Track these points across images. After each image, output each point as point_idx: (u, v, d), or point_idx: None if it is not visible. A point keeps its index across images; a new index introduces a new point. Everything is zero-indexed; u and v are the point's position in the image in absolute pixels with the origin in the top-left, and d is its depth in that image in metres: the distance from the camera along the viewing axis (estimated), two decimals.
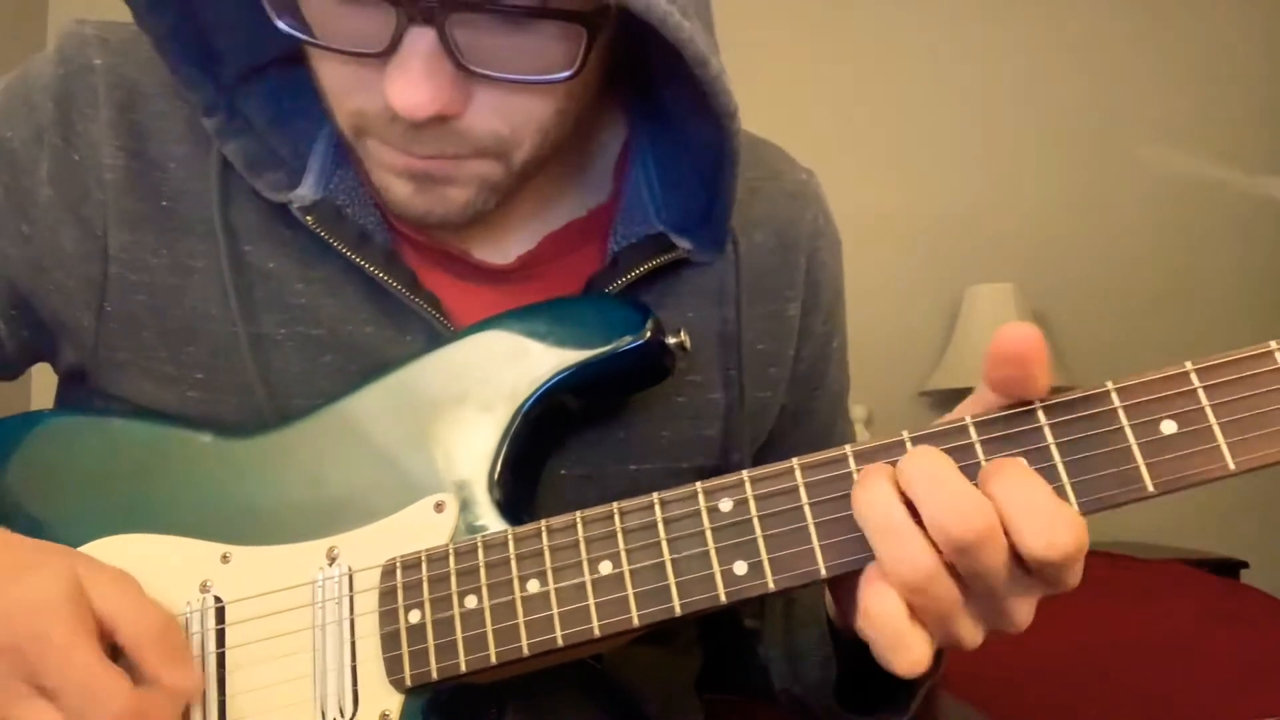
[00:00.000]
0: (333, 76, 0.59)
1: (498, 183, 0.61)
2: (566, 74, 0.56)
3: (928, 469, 0.46)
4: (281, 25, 0.56)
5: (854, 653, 0.62)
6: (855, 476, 0.50)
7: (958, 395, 2.62)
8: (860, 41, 2.84)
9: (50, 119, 0.64)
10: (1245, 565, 2.26)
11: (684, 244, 0.68)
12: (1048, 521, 0.45)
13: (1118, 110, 2.79)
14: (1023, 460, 0.47)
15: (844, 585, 0.53)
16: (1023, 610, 0.48)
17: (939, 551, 0.46)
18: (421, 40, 0.54)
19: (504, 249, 0.69)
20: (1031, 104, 2.81)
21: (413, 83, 0.54)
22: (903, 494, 0.47)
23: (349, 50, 0.55)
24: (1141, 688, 1.37)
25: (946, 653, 0.58)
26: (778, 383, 0.74)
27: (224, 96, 0.64)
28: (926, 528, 0.46)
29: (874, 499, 0.47)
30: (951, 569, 0.46)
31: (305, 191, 0.65)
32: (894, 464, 0.48)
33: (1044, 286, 2.70)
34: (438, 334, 0.64)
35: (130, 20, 0.67)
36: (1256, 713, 1.30)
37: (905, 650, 0.46)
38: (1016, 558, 0.46)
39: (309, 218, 0.64)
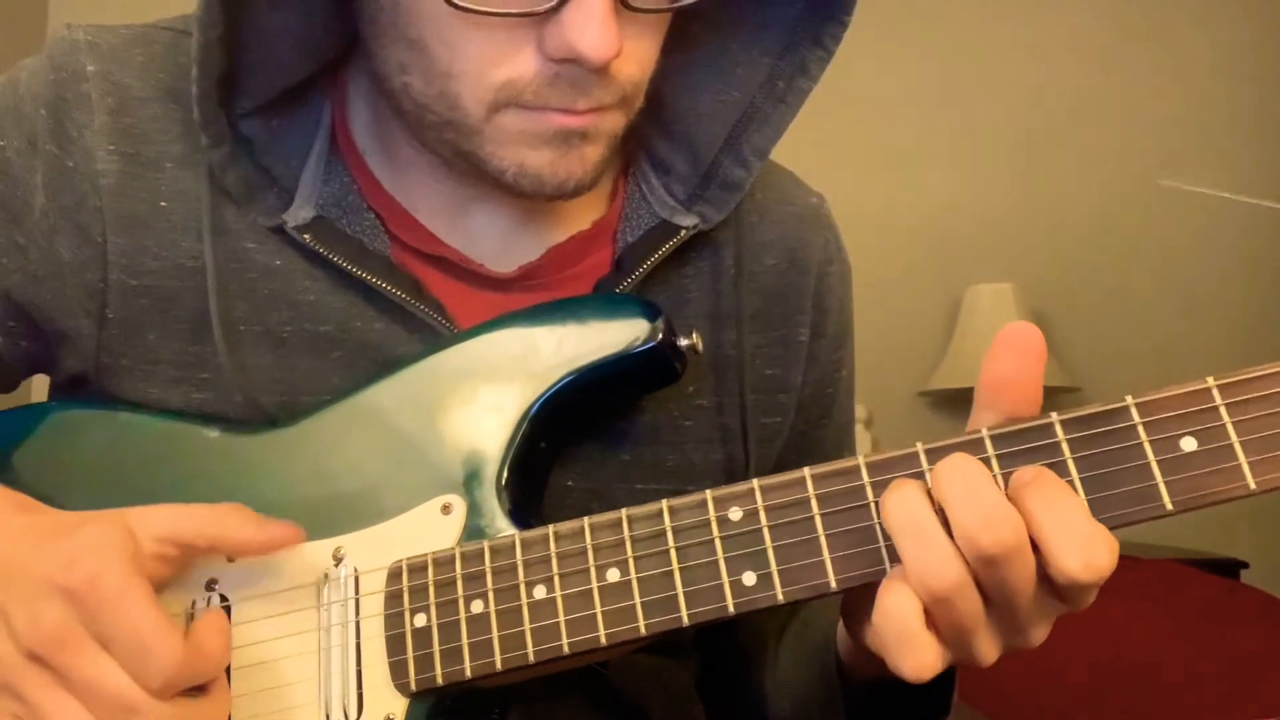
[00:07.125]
0: (477, 52, 0.58)
1: (616, 140, 0.63)
2: None
3: (962, 475, 0.46)
4: (458, 4, 0.56)
5: (863, 697, 0.61)
6: (867, 488, 0.49)
7: (957, 395, 2.62)
8: (860, 41, 2.83)
9: (44, 127, 0.64)
10: (1245, 565, 2.25)
11: (687, 221, 0.69)
12: (1086, 543, 0.44)
13: (1118, 111, 2.79)
14: (1053, 473, 0.46)
15: (861, 614, 0.53)
16: (1041, 629, 0.48)
17: (966, 563, 0.45)
18: None
19: (506, 259, 0.69)
20: (1032, 104, 2.80)
21: (601, 24, 0.55)
22: (934, 503, 0.46)
23: (524, 12, 0.56)
24: (1141, 687, 1.37)
25: (956, 681, 0.58)
26: (787, 409, 0.74)
27: (229, 126, 0.64)
28: (954, 535, 0.45)
29: (903, 501, 0.47)
30: (977, 583, 0.46)
31: (299, 210, 0.65)
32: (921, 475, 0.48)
33: (1044, 286, 2.69)
34: (444, 337, 0.64)
35: (120, 24, 0.67)
36: (1257, 713, 1.30)
37: (916, 652, 0.46)
38: (1043, 575, 0.45)
39: (307, 235, 0.64)
